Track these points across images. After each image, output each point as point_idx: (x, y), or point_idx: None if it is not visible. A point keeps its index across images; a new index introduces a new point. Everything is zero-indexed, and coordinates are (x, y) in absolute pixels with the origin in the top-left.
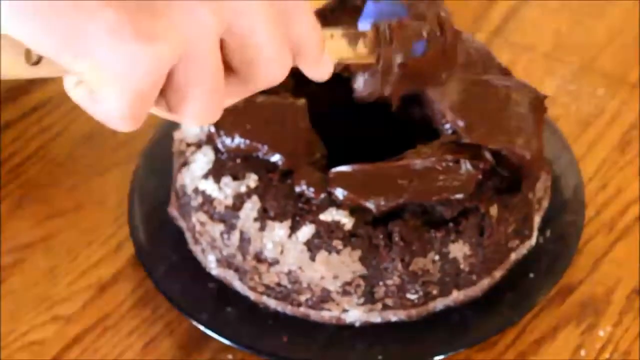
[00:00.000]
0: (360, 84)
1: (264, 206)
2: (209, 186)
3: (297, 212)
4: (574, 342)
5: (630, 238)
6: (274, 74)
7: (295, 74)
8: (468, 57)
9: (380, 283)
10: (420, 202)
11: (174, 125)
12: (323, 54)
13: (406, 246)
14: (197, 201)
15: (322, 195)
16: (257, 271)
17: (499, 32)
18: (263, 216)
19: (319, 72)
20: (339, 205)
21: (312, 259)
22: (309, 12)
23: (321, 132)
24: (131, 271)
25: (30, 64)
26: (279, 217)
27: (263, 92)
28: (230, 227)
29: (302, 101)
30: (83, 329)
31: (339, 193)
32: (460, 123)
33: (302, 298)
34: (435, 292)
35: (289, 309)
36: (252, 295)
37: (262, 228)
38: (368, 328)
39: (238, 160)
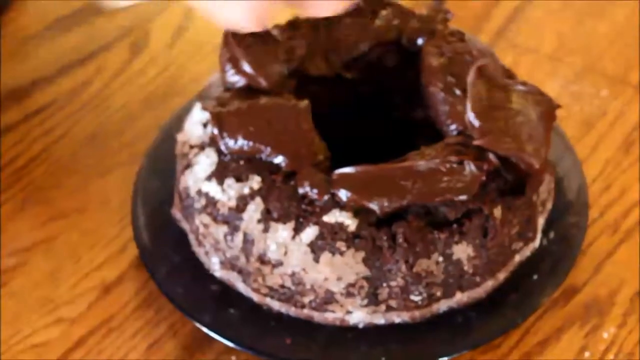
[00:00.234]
0: None
1: (268, 208)
2: (212, 188)
3: (300, 213)
4: (578, 344)
5: (634, 239)
6: None
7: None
8: (472, 59)
9: (384, 284)
10: (424, 203)
11: (177, 127)
12: None
13: (410, 247)
14: (200, 203)
15: (326, 197)
16: (260, 273)
17: (502, 33)
18: (266, 218)
19: None
20: (342, 206)
21: (316, 260)
22: None
23: (324, 134)
24: (135, 273)
25: None
26: (283, 219)
27: (266, 94)
28: (234, 229)
29: (305, 102)
30: (87, 331)
31: (343, 194)
32: (477, 123)
33: (306, 299)
34: (438, 293)
35: (292, 311)
36: (256, 297)
37: (265, 230)
38: (371, 329)
39: (241, 162)
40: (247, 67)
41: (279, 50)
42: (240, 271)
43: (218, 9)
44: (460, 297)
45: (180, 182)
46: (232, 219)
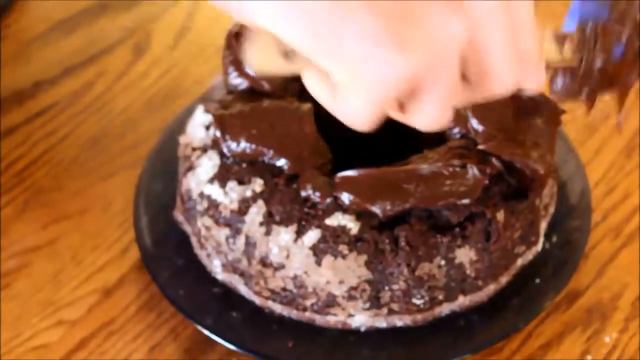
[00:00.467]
0: (558, 84)
1: (270, 210)
2: (214, 191)
3: (302, 216)
4: (579, 348)
5: (637, 243)
6: (504, 87)
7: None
8: None
9: (386, 288)
10: (427, 207)
11: (180, 130)
12: (542, 65)
13: (412, 251)
14: (202, 206)
15: (328, 200)
16: (262, 276)
17: None
18: (269, 221)
19: (536, 82)
20: (344, 209)
21: (318, 263)
22: (534, 24)
23: (327, 137)
24: (136, 275)
25: (284, 59)
26: (285, 222)
27: (268, 97)
28: (236, 232)
29: (307, 105)
30: (88, 334)
31: (345, 197)
32: (480, 128)
33: (308, 303)
34: (441, 297)
35: (294, 314)
36: (258, 300)
37: (267, 232)
38: (373, 333)
39: (244, 165)
40: (250, 70)
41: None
42: (242, 274)
43: (334, 98)
44: (463, 301)
45: (182, 185)
46: (234, 222)
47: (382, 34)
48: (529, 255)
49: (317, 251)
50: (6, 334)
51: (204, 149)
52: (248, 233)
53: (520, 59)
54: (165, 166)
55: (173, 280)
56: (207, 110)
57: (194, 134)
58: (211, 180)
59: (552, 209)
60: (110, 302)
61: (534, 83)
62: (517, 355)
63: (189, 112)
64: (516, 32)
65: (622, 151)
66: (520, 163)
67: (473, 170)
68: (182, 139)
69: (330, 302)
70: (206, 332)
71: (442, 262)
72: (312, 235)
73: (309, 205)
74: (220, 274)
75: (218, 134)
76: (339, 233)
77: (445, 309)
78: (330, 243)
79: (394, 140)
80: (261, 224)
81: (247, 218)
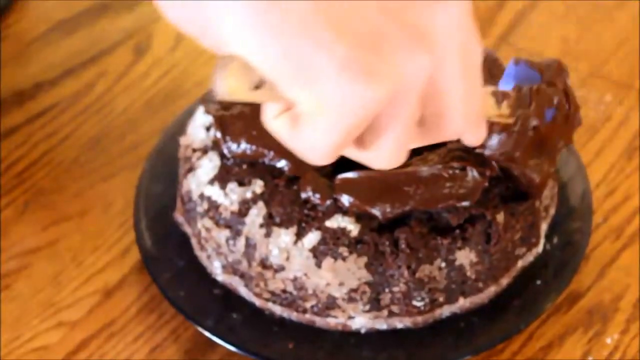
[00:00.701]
0: (494, 142)
1: (270, 212)
2: (214, 192)
3: (303, 218)
4: (581, 350)
5: (638, 245)
6: (456, 131)
7: None
8: None
9: (386, 290)
10: (427, 209)
11: (180, 131)
12: (484, 119)
13: (412, 253)
14: (202, 207)
15: (328, 202)
16: (262, 277)
17: (506, 37)
18: (269, 222)
19: (478, 136)
20: (345, 211)
21: (318, 265)
22: (481, 75)
23: None
24: (137, 277)
25: (252, 88)
26: (285, 224)
27: None
28: (236, 233)
29: None
30: (88, 335)
31: (345, 199)
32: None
33: (308, 304)
34: (441, 299)
35: (294, 316)
36: (258, 302)
37: (267, 234)
38: (374, 335)
39: (244, 166)
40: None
41: None
42: (242, 276)
43: (293, 131)
44: (463, 303)
45: (182, 186)
46: (234, 223)
47: (353, 64)
48: (530, 257)
49: (317, 253)
50: (6, 335)
51: (205, 150)
52: (248, 235)
53: (470, 108)
54: (166, 167)
55: (174, 281)
56: (207, 111)
57: (195, 135)
58: (211, 182)
59: (552, 210)
60: (110, 303)
61: (476, 135)
62: (518, 356)
63: (189, 113)
64: (470, 79)
65: (623, 153)
66: (517, 171)
67: (473, 173)
68: (183, 140)
69: (330, 304)
70: (207, 334)
71: (443, 264)
72: (312, 237)
73: (309, 207)
74: (220, 276)
75: (218, 135)
76: (339, 235)
77: (445, 311)
78: (330, 245)
79: None
80: (261, 225)
81: (247, 219)
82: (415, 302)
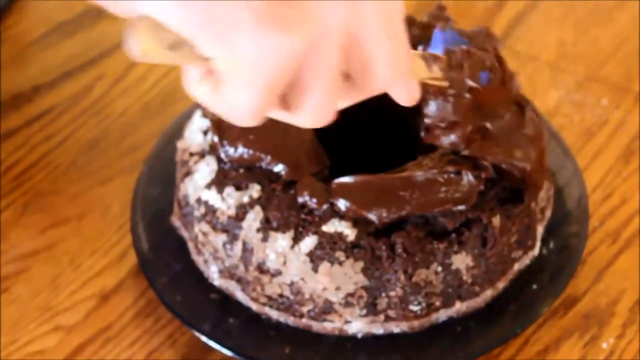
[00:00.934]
0: (432, 108)
1: (267, 217)
2: (211, 196)
3: (299, 222)
4: (577, 354)
5: (634, 249)
6: (384, 83)
7: None
8: None
9: (383, 294)
10: (423, 213)
11: (177, 134)
12: (414, 76)
13: (409, 257)
14: (199, 211)
15: (325, 206)
16: (259, 282)
17: (503, 41)
18: (266, 227)
19: (411, 93)
20: (341, 216)
21: (315, 270)
22: (405, 34)
23: (324, 143)
24: (133, 281)
25: (168, 48)
26: (282, 228)
27: None
28: (233, 238)
29: None
30: (85, 339)
31: (342, 204)
32: (452, 137)
33: (305, 309)
34: (437, 303)
35: (291, 320)
36: (255, 306)
37: (264, 239)
38: (370, 339)
39: (241, 171)
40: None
41: None
42: (239, 280)
43: (217, 96)
44: (460, 307)
45: (179, 190)
46: (231, 228)
47: (267, 16)
48: (526, 260)
49: (314, 257)
50: (4, 339)
51: (202, 154)
52: (245, 239)
53: (396, 58)
54: (163, 171)
55: (170, 286)
56: (205, 115)
57: (192, 138)
58: (208, 186)
59: (548, 213)
60: (107, 307)
61: (407, 92)
62: None
63: (187, 117)
64: (392, 30)
65: (619, 157)
66: (506, 164)
67: (468, 177)
68: (180, 144)
69: (327, 309)
70: (203, 338)
71: (439, 268)
72: (309, 242)
73: (306, 211)
74: (217, 280)
75: (216, 139)
76: (335, 239)
77: (442, 315)
78: (327, 249)
79: (389, 147)
80: (258, 230)
81: (244, 224)
82: (411, 307)
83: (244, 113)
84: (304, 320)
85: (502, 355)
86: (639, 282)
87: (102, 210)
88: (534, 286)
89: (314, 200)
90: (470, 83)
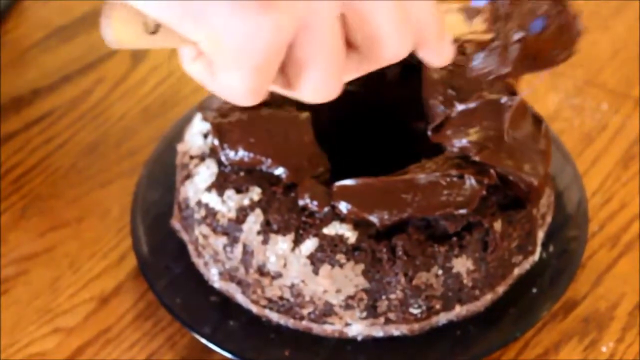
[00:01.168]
0: (479, 61)
1: (267, 219)
2: (212, 199)
3: (300, 225)
4: (576, 358)
5: (634, 253)
6: (395, 51)
7: None
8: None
9: (383, 297)
10: (424, 216)
11: (177, 138)
12: (444, 36)
13: (409, 260)
14: (200, 214)
15: (326, 209)
16: (259, 284)
17: None
18: (266, 229)
19: (441, 55)
20: (342, 219)
21: (315, 272)
22: None
23: (325, 146)
24: (133, 283)
25: (147, 33)
26: (282, 231)
27: (267, 105)
28: (233, 240)
29: (306, 114)
30: (84, 342)
31: (343, 207)
32: (464, 142)
33: (305, 311)
34: (438, 306)
35: (291, 323)
36: (255, 309)
37: (265, 241)
38: (370, 342)
39: (241, 173)
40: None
41: None
42: (239, 282)
43: (211, 76)
44: (460, 311)
45: (180, 193)
46: (231, 230)
47: None
48: (526, 265)
49: (315, 260)
50: (4, 341)
51: (202, 157)
52: (245, 242)
53: (413, 24)
54: (163, 174)
55: (170, 288)
56: (205, 119)
57: (192, 142)
58: (209, 189)
59: (549, 218)
60: (106, 310)
61: (441, 56)
62: None
63: (187, 120)
64: None
65: (619, 161)
66: (514, 176)
67: (470, 181)
68: (180, 147)
69: (327, 311)
70: (203, 341)
71: (440, 272)
72: (310, 244)
73: (307, 214)
74: (217, 283)
75: (216, 142)
76: (336, 242)
77: (442, 318)
78: (328, 252)
79: (392, 148)
80: (259, 232)
81: (245, 227)
82: (412, 310)
83: (238, 94)
84: (304, 323)
85: (501, 359)
86: (639, 286)
87: (102, 213)
88: (534, 290)
89: (315, 202)
90: (518, 35)
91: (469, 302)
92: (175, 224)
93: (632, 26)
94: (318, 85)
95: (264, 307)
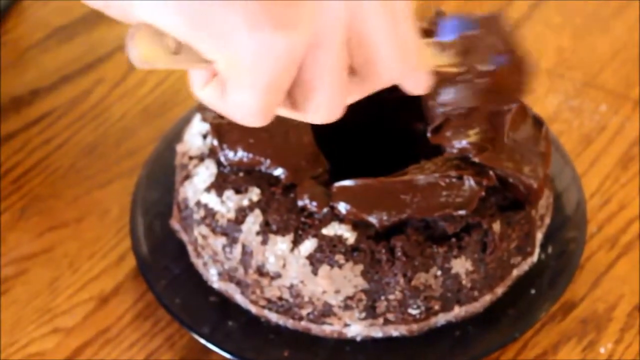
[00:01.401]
0: (450, 93)
1: (267, 220)
2: (211, 199)
3: (299, 226)
4: (575, 359)
5: (632, 254)
6: (392, 74)
7: None
8: None
9: (382, 298)
10: (423, 217)
11: (177, 138)
12: (426, 66)
13: (408, 261)
14: (199, 214)
15: (325, 210)
16: (258, 285)
17: None
18: (265, 230)
19: (419, 81)
20: (341, 219)
21: (314, 273)
22: (413, 23)
23: (324, 146)
24: (132, 283)
25: (171, 53)
26: (282, 231)
27: None
28: (232, 241)
29: None
30: (83, 342)
31: (342, 207)
32: (464, 143)
33: (304, 312)
34: (436, 307)
35: (290, 323)
36: (254, 309)
37: (264, 242)
38: (369, 343)
39: (241, 174)
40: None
41: None
42: (238, 283)
43: (222, 97)
44: (458, 311)
45: (179, 193)
46: (230, 231)
47: (259, 14)
48: (525, 266)
49: (314, 260)
50: (3, 340)
51: (201, 158)
52: (244, 242)
53: (403, 52)
54: (162, 174)
55: (169, 288)
56: (204, 119)
57: (191, 142)
58: (208, 189)
59: (547, 220)
60: (106, 310)
61: (416, 82)
62: None
63: (186, 121)
64: (397, 24)
65: (617, 163)
66: (513, 178)
67: (469, 182)
68: (179, 148)
69: (326, 312)
70: (202, 341)
71: (438, 273)
72: (309, 245)
73: (306, 214)
74: (216, 283)
75: (215, 142)
76: (335, 243)
77: (441, 319)
78: (327, 253)
79: (391, 151)
80: (258, 233)
81: (244, 227)
82: (410, 310)
83: (249, 114)
84: (303, 323)
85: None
86: (637, 287)
87: (101, 213)
88: (533, 291)
89: (314, 203)
90: (484, 67)
91: (467, 303)
92: (175, 224)
93: (632, 27)
94: (324, 105)
95: (263, 307)
